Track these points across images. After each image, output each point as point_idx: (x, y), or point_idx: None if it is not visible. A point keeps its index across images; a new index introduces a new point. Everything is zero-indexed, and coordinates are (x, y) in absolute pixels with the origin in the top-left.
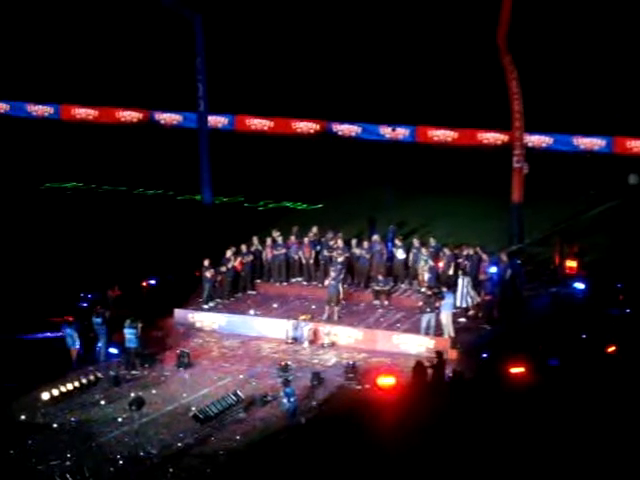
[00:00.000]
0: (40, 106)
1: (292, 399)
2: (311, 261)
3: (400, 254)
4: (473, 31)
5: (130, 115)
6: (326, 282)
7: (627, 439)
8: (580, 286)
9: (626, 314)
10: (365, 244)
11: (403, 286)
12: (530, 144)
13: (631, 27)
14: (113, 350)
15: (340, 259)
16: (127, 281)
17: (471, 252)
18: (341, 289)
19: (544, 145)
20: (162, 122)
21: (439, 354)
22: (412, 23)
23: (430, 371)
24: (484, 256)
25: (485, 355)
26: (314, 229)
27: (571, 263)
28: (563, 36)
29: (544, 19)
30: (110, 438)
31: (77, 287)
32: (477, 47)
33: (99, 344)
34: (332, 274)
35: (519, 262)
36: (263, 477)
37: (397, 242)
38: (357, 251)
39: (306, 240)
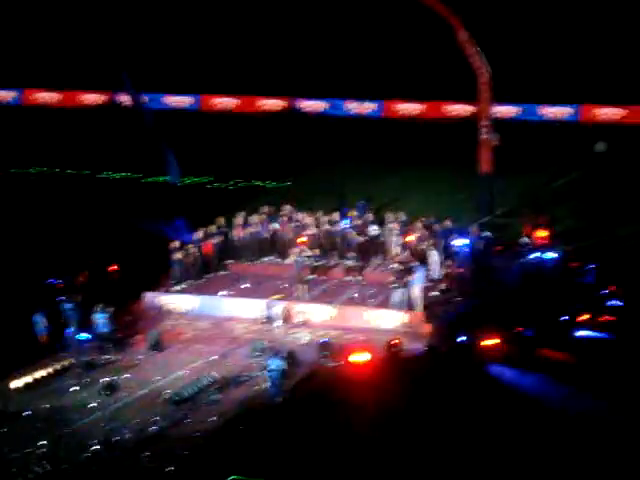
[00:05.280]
0: (3, 91)
1: (277, 382)
2: (287, 238)
3: (373, 230)
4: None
5: (93, 97)
6: (291, 259)
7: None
8: (551, 256)
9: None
10: (336, 219)
11: (375, 261)
12: (498, 115)
13: None
14: (84, 335)
15: (306, 236)
16: (96, 265)
17: (442, 225)
18: (307, 266)
19: (511, 115)
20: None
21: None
22: None
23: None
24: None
25: (459, 328)
26: (287, 207)
27: (541, 233)
28: (528, 6)
29: None
30: (84, 424)
31: (45, 273)
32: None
33: (70, 330)
34: (296, 250)
35: (489, 234)
36: (240, 457)
37: (369, 217)
38: (326, 227)
39: (280, 217)
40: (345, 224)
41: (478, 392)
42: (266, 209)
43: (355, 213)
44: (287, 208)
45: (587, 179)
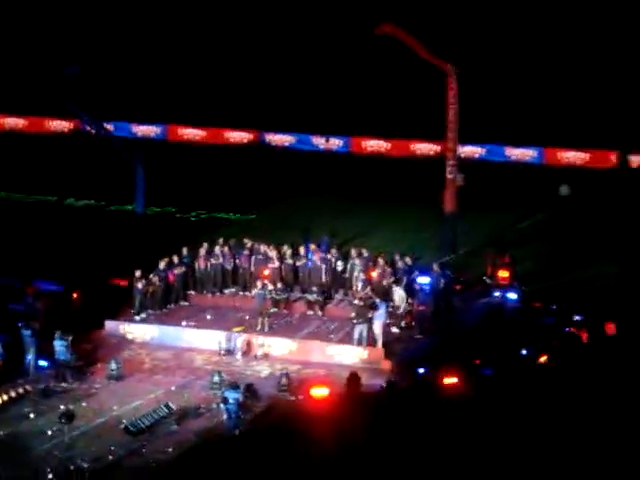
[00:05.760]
0: None
1: (234, 415)
2: (251, 271)
3: (337, 265)
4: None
5: (61, 125)
6: (254, 292)
7: (558, 448)
8: (512, 296)
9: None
10: (300, 253)
11: (337, 296)
12: (463, 155)
13: (562, 37)
14: (43, 363)
15: (269, 269)
16: (56, 292)
17: (404, 262)
18: (269, 299)
19: (477, 156)
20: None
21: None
22: (345, 32)
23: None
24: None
25: (419, 365)
26: (250, 240)
27: (503, 273)
28: (497, 48)
29: (478, 31)
30: (40, 451)
31: (3, 298)
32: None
33: (28, 357)
34: (258, 284)
35: (450, 273)
36: None
37: (333, 252)
38: (290, 261)
39: (244, 250)
40: (309, 258)
41: (436, 428)
42: (229, 241)
43: (318, 247)
44: (250, 241)
45: (551, 221)
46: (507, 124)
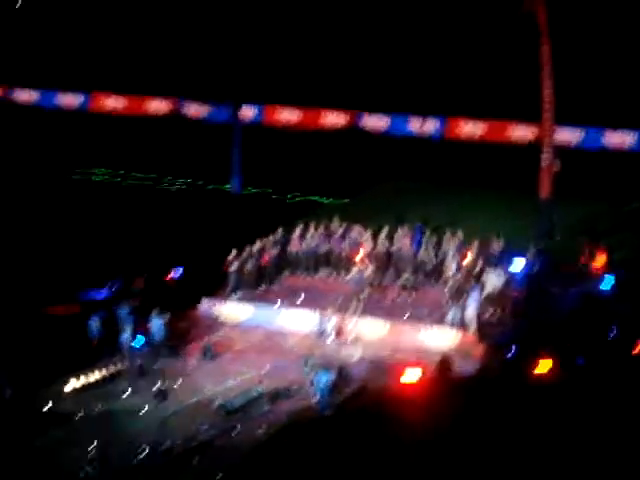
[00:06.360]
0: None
1: (325, 397)
2: (344, 254)
3: (432, 250)
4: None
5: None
6: (349, 276)
7: None
8: (607, 284)
9: None
10: (394, 237)
11: (431, 281)
12: (559, 141)
13: None
14: (139, 341)
15: (363, 253)
16: (154, 272)
17: (499, 247)
18: (366, 283)
19: (574, 142)
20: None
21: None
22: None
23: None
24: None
25: (511, 352)
26: (344, 224)
27: (598, 261)
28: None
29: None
30: (134, 429)
31: (103, 277)
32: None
33: (125, 335)
34: (354, 268)
35: (546, 259)
36: (287, 469)
37: (426, 237)
38: (384, 246)
39: (337, 233)
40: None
41: (529, 414)
42: (323, 224)
43: (412, 232)
44: (344, 225)
45: None
46: (606, 105)
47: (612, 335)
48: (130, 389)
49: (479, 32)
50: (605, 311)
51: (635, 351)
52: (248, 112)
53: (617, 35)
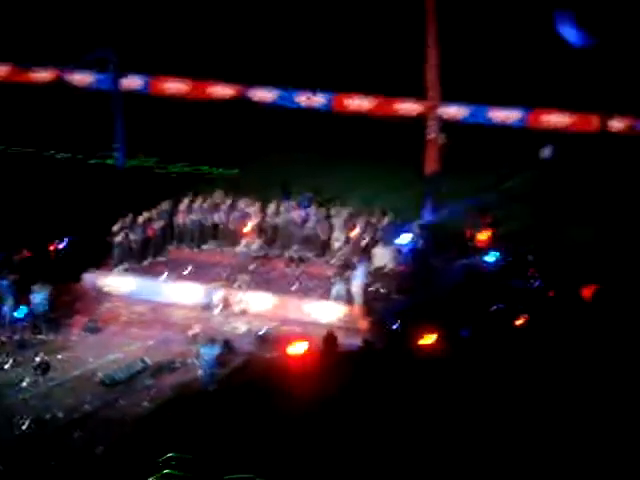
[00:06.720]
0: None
1: (209, 370)
2: (231, 226)
3: (318, 223)
4: None
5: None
6: (237, 248)
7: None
8: (491, 258)
9: (535, 287)
10: (281, 210)
11: (317, 254)
12: (446, 116)
13: None
14: (19, 314)
15: (250, 225)
16: (35, 244)
17: (386, 221)
18: (253, 255)
19: (460, 117)
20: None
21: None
22: None
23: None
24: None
25: (396, 325)
26: (231, 195)
27: (483, 235)
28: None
29: None
30: (15, 401)
31: None
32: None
33: (5, 307)
34: (242, 241)
35: (430, 233)
36: (170, 441)
37: (313, 209)
38: (272, 218)
39: (224, 205)
40: (289, 215)
41: (412, 387)
42: (209, 196)
43: (299, 204)
44: (229, 197)
45: (534, 183)
46: (491, 83)
47: (495, 308)
48: (11, 361)
49: (369, 9)
50: (489, 284)
51: (517, 323)
52: (135, 82)
53: (505, 16)
